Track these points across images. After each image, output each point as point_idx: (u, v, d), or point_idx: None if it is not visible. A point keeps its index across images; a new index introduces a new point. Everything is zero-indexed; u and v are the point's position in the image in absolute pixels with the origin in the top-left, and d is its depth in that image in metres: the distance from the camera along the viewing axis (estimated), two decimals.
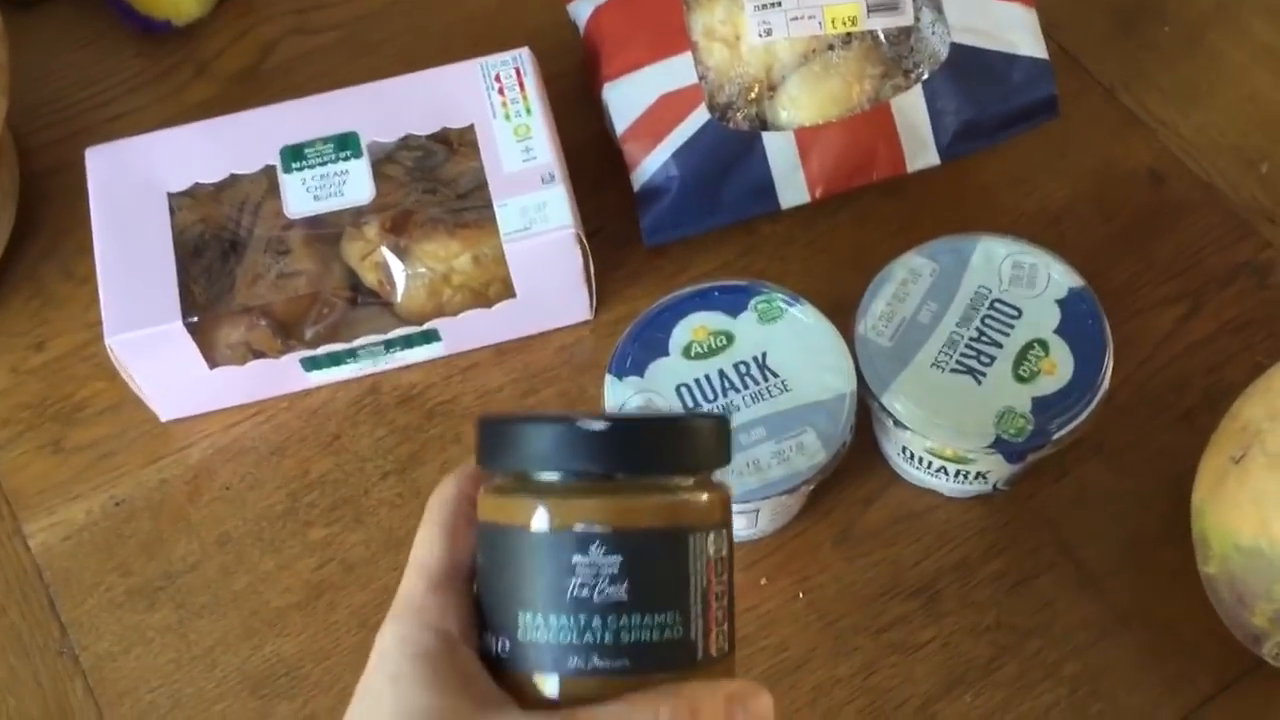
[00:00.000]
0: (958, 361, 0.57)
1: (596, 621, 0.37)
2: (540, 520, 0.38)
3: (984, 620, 0.59)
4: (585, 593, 0.37)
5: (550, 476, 0.38)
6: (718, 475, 0.41)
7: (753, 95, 0.65)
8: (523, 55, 0.66)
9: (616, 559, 0.37)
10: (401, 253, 0.62)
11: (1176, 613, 0.59)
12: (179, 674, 0.59)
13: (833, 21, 0.64)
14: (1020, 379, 0.57)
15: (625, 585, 0.37)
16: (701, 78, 0.65)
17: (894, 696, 0.57)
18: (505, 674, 0.38)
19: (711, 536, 0.39)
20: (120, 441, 0.65)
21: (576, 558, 0.37)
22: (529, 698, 0.38)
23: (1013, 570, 0.60)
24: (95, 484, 0.64)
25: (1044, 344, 0.57)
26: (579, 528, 0.37)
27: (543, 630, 0.38)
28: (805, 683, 0.58)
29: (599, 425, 0.38)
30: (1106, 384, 0.57)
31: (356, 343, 0.63)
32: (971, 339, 0.58)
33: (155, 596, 0.61)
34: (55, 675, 0.59)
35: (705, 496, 0.39)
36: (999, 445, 0.55)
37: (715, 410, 0.39)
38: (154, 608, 0.61)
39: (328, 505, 0.63)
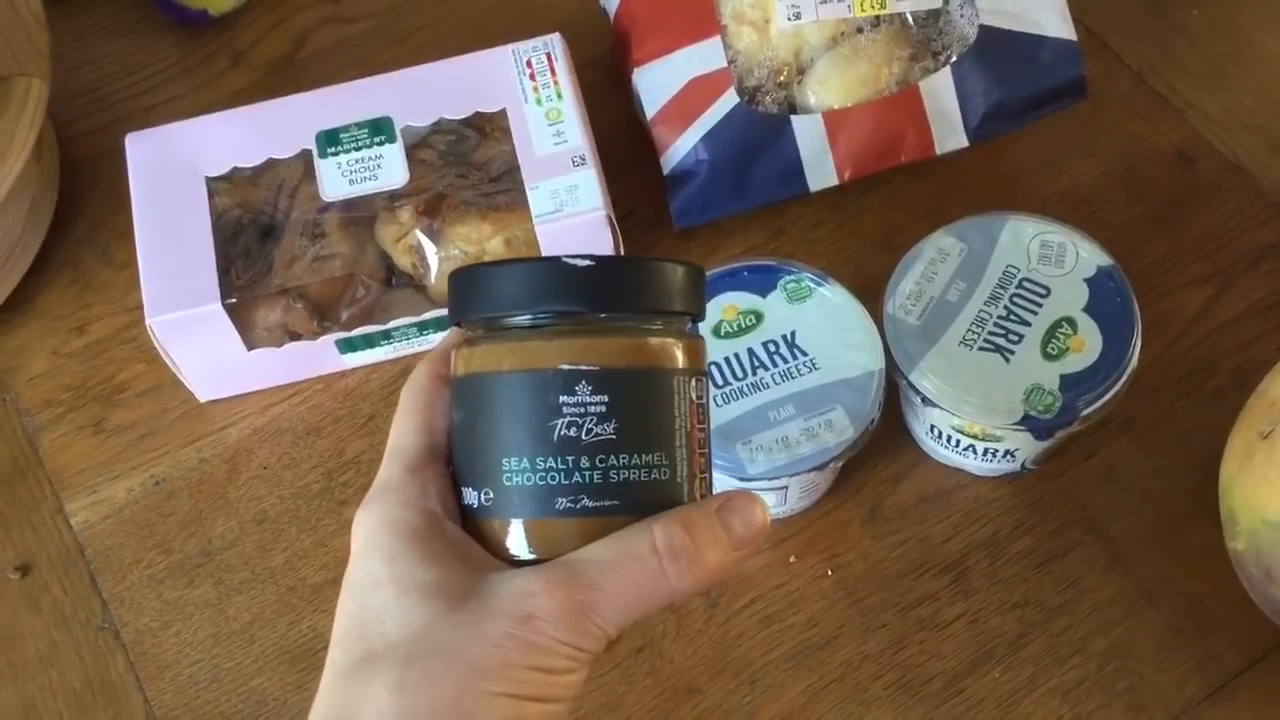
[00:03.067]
0: (986, 339, 0.58)
1: (585, 461, 0.37)
2: (524, 361, 0.37)
3: (1012, 597, 0.59)
4: (573, 432, 0.37)
5: (530, 319, 0.38)
6: (690, 327, 0.41)
7: (781, 79, 0.66)
8: (554, 41, 0.67)
9: (603, 398, 0.37)
10: (435, 235, 0.63)
11: (1205, 589, 0.59)
12: (218, 648, 0.60)
13: (861, 4, 0.65)
14: (1048, 357, 0.57)
15: (613, 424, 0.37)
16: (730, 61, 0.65)
17: (922, 672, 0.58)
18: (486, 521, 0.38)
19: (693, 381, 0.39)
20: (160, 422, 0.66)
21: (563, 397, 0.37)
22: (511, 543, 0.38)
23: (1041, 548, 0.61)
24: (135, 464, 0.65)
25: (1072, 322, 0.58)
26: (564, 367, 0.37)
27: (529, 473, 0.37)
28: (834, 659, 0.58)
29: (584, 263, 0.37)
30: (1135, 362, 0.57)
31: (391, 325, 0.64)
32: (1000, 317, 0.58)
33: (195, 573, 0.62)
34: (97, 650, 0.61)
35: (685, 340, 0.39)
36: (1027, 422, 0.56)
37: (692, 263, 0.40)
38: (193, 584, 0.62)
39: (363, 484, 0.64)
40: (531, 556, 0.38)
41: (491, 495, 0.38)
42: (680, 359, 0.39)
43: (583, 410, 0.37)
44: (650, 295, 0.38)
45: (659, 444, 0.38)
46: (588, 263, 0.37)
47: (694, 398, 0.39)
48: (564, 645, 0.36)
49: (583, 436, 0.37)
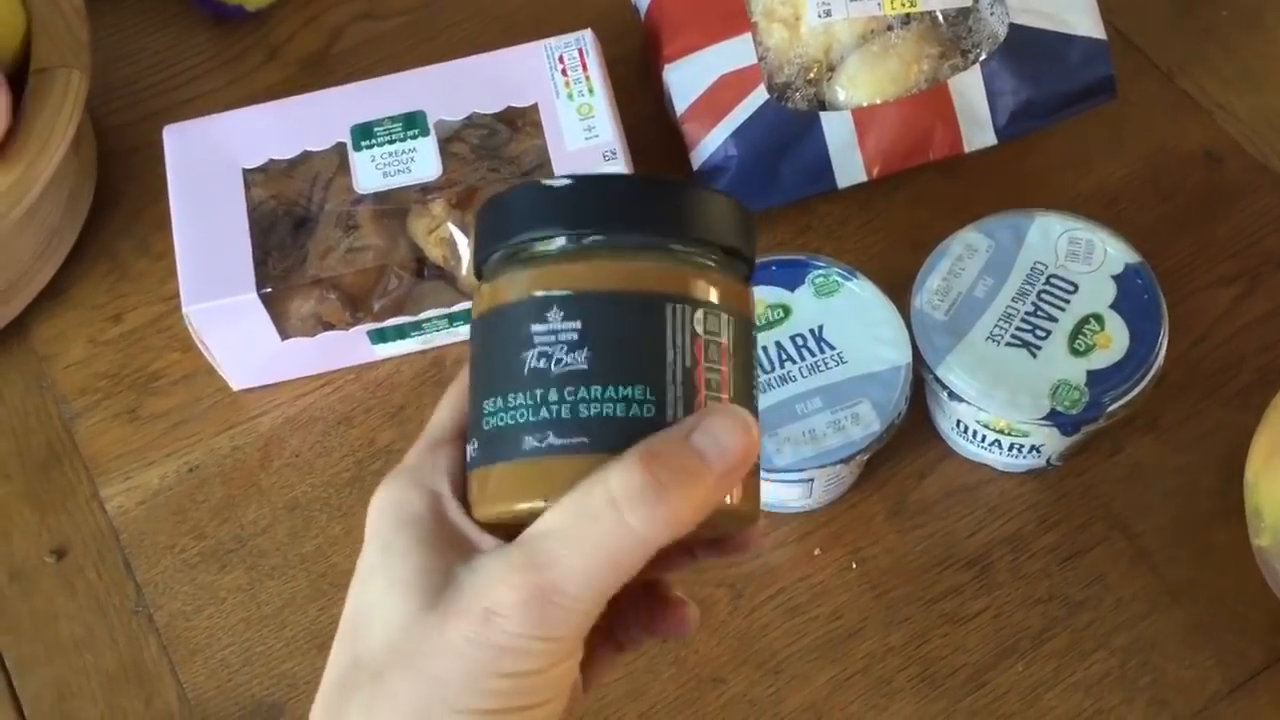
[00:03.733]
0: (1013, 335, 0.58)
1: (554, 394, 0.33)
2: (505, 293, 0.34)
3: (1036, 592, 0.60)
4: (542, 364, 0.33)
5: (528, 250, 0.35)
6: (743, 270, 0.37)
7: (811, 76, 0.66)
8: (585, 37, 0.67)
9: (575, 324, 0.33)
10: (466, 228, 0.63)
11: (1228, 587, 0.59)
12: (249, 633, 0.61)
13: (892, 2, 0.65)
14: (1075, 353, 0.57)
15: (585, 352, 0.33)
16: (761, 58, 0.66)
17: (946, 665, 0.58)
18: (471, 475, 0.35)
19: (700, 313, 0.34)
20: (194, 410, 0.67)
21: (534, 326, 0.34)
22: (483, 497, 0.35)
23: (1065, 544, 0.61)
24: (170, 450, 0.66)
25: (1099, 318, 0.58)
26: (538, 294, 0.34)
27: (503, 414, 0.34)
28: (858, 651, 0.59)
29: (561, 182, 0.34)
30: (1161, 358, 0.58)
31: (422, 316, 0.65)
32: (1027, 313, 0.58)
33: (227, 559, 0.63)
34: (131, 633, 0.62)
35: (695, 268, 0.35)
36: (1053, 417, 0.56)
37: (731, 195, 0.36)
38: (226, 569, 0.63)
39: None
40: (499, 508, 0.34)
41: (477, 445, 0.35)
42: (676, 284, 0.34)
43: (553, 338, 0.33)
44: (639, 214, 0.34)
45: (640, 376, 0.33)
46: (565, 182, 0.34)
47: (699, 330, 0.34)
48: (533, 640, 0.32)
49: (552, 368, 0.33)
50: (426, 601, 0.33)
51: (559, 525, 0.32)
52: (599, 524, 0.31)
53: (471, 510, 0.35)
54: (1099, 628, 0.59)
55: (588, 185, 0.34)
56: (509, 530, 0.34)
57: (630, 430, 0.33)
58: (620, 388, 0.33)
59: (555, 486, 0.33)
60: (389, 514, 0.35)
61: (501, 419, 0.34)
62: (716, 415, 0.33)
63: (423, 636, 0.32)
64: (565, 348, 0.33)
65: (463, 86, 0.66)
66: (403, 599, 0.33)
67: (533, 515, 0.33)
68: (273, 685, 0.60)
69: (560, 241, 0.34)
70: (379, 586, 0.34)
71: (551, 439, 0.33)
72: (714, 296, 0.35)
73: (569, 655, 0.33)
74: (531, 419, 0.33)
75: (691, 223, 0.35)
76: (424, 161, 0.64)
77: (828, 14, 0.65)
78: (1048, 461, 0.61)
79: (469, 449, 0.35)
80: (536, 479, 0.33)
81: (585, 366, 0.33)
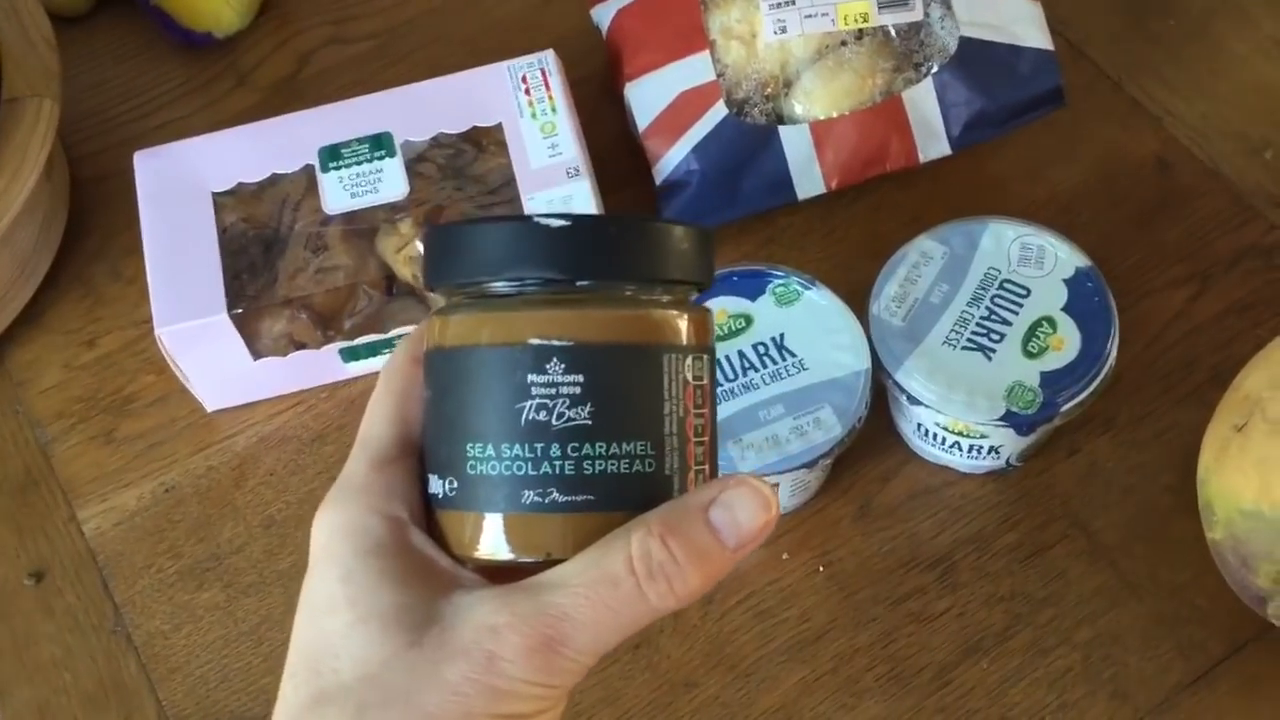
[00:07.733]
0: (968, 339, 0.59)
1: (555, 449, 0.33)
2: (493, 334, 0.34)
3: (999, 590, 0.61)
4: (542, 416, 0.33)
5: (504, 287, 0.34)
6: (697, 298, 0.37)
7: (769, 91, 0.68)
8: (547, 57, 0.69)
9: (578, 377, 0.33)
10: None
11: (1186, 580, 0.61)
12: (227, 650, 0.62)
13: (845, 18, 0.67)
14: (1029, 355, 0.59)
15: (589, 408, 0.33)
16: (719, 75, 0.67)
17: (912, 664, 0.59)
18: (448, 514, 0.35)
19: (690, 360, 0.34)
20: (169, 432, 0.68)
21: (532, 376, 0.33)
22: (472, 541, 0.34)
23: (1026, 543, 0.62)
24: (145, 472, 0.67)
25: (1052, 321, 0.60)
26: (534, 341, 0.33)
27: (494, 462, 0.33)
28: (826, 652, 0.60)
29: (558, 222, 0.33)
30: (1113, 358, 0.59)
31: (392, 333, 0.66)
32: (982, 318, 0.60)
33: (204, 577, 0.64)
34: (109, 652, 0.62)
35: (684, 313, 0.35)
36: (1009, 418, 0.57)
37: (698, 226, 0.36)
38: (203, 588, 0.63)
39: None
40: (494, 557, 0.34)
41: (455, 485, 0.34)
42: (672, 333, 0.34)
43: (554, 391, 0.33)
44: (636, 259, 0.34)
45: (644, 431, 0.34)
46: (562, 222, 0.33)
47: (689, 379, 0.34)
48: (532, 685, 0.32)
49: (553, 421, 0.33)
50: (408, 639, 0.33)
51: (575, 583, 0.33)
52: (618, 590, 0.32)
53: (451, 548, 0.35)
54: (1061, 624, 0.60)
55: (583, 226, 0.34)
56: (486, 568, 0.35)
57: (633, 486, 0.34)
58: (624, 444, 0.33)
59: (562, 544, 0.34)
60: (345, 540, 0.34)
61: (492, 467, 0.34)
62: (738, 491, 0.34)
63: (411, 673, 0.32)
64: (567, 401, 0.33)
65: (428, 108, 0.67)
66: (379, 635, 0.33)
67: (531, 565, 0.34)
68: (251, 701, 0.60)
69: (551, 284, 0.34)
70: (344, 620, 0.33)
71: (555, 496, 0.33)
72: (697, 338, 0.35)
73: (561, 700, 0.34)
74: (531, 472, 0.33)
75: (679, 264, 0.35)
76: (391, 181, 0.66)
77: (783, 30, 0.67)
78: (1007, 462, 0.63)
79: (439, 483, 0.35)
80: (540, 534, 0.34)
81: (589, 422, 0.33)
